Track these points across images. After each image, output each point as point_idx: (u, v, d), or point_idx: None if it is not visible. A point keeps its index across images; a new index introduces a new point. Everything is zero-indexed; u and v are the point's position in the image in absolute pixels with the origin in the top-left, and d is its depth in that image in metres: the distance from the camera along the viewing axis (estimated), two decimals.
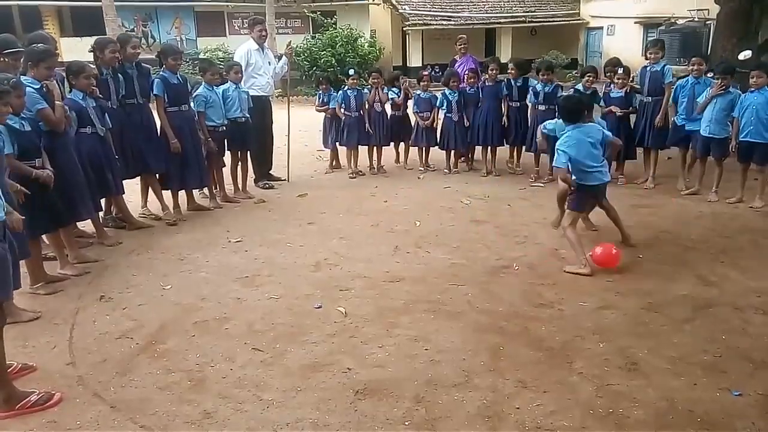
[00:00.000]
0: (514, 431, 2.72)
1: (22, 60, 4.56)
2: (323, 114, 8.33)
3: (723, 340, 3.48)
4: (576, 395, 2.99)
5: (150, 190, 6.19)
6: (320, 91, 8.37)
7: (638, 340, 3.50)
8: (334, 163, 8.43)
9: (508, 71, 7.60)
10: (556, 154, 4.65)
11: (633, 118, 7.09)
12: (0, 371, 2.94)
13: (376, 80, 7.97)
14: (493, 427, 2.76)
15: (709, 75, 6.68)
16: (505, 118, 7.58)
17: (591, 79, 7.14)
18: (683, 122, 6.66)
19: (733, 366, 3.21)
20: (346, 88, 7.96)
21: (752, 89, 5.95)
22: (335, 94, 8.14)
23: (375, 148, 8.10)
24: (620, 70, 7.11)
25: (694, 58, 6.74)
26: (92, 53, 5.53)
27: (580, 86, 7.24)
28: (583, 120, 4.75)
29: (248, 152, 7.08)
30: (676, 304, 3.98)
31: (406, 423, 2.80)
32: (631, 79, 7.25)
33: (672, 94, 6.78)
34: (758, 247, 4.98)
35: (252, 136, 6.96)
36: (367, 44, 19.64)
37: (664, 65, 6.83)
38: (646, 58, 7.09)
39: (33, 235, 4.30)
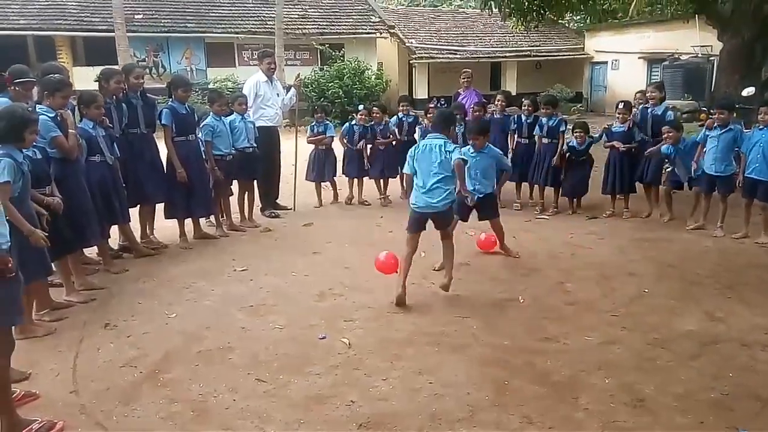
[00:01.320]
0: None
1: (35, 89, 4.66)
2: (312, 146, 8.02)
3: (730, 377, 3.45)
4: None
5: (152, 216, 6.22)
6: (315, 122, 8.06)
7: (644, 376, 3.47)
8: (324, 196, 8.18)
9: (524, 107, 7.65)
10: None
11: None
12: (4, 398, 2.94)
13: (377, 115, 8.03)
14: None
15: (711, 112, 6.76)
16: (511, 152, 7.62)
17: (581, 134, 7.23)
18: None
19: (740, 404, 3.18)
20: (354, 122, 8.04)
21: (760, 126, 5.99)
22: (331, 125, 8.15)
23: (382, 179, 8.13)
24: (621, 105, 7.20)
25: (664, 127, 6.67)
26: (97, 83, 5.62)
27: (574, 143, 7.29)
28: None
29: (255, 181, 7.14)
30: (682, 339, 3.95)
31: None
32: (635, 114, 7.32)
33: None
34: (765, 283, 4.95)
35: (259, 165, 7.03)
36: (374, 76, 19.91)
37: (666, 108, 6.94)
38: (646, 100, 7.19)
39: None
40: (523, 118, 7.61)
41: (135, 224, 5.96)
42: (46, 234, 3.83)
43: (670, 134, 6.50)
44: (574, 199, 7.48)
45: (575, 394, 3.30)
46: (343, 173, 8.11)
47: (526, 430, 2.97)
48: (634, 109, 7.33)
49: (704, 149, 6.38)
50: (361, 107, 8.32)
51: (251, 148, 6.85)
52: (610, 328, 4.14)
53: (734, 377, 3.46)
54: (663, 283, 4.98)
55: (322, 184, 8.11)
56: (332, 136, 7.98)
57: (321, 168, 7.97)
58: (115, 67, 5.98)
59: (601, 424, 3.01)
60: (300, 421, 3.06)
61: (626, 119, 7.10)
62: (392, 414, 3.12)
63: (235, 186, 6.97)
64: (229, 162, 6.61)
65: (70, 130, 4.62)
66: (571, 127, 7.57)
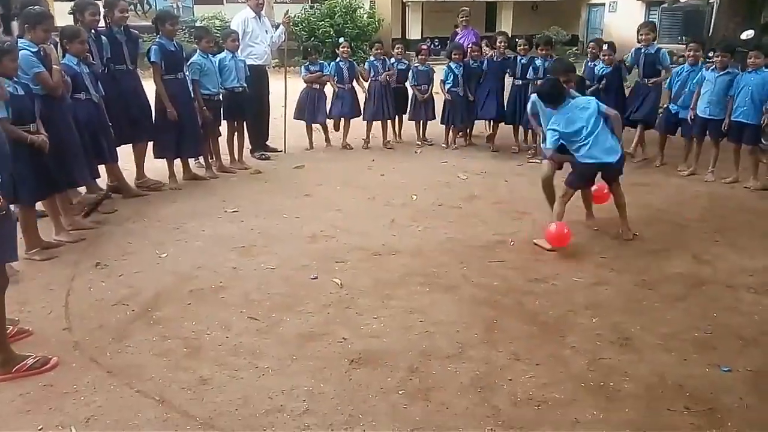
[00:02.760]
0: (506, 402, 2.76)
1: (15, 23, 4.49)
2: (302, 85, 7.80)
3: (714, 318, 3.52)
4: (568, 368, 3.02)
5: (144, 155, 6.12)
6: (307, 62, 7.82)
7: (631, 316, 3.54)
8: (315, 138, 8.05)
9: (519, 48, 7.50)
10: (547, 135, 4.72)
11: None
12: None
13: (379, 50, 7.84)
14: (485, 398, 2.79)
15: (709, 54, 6.67)
16: (506, 94, 7.53)
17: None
18: (677, 110, 6.68)
19: (723, 343, 3.26)
20: (339, 59, 7.85)
21: (749, 69, 5.93)
22: (326, 64, 7.95)
23: (382, 121, 7.98)
24: (605, 47, 7.12)
25: (691, 44, 6.73)
26: (72, 16, 5.41)
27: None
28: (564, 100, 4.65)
29: (245, 122, 7.02)
30: (669, 281, 4.01)
31: (400, 392, 2.83)
32: (626, 56, 7.22)
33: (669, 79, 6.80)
34: (753, 227, 5.00)
35: (249, 106, 6.90)
36: (366, 15, 19.38)
37: (659, 48, 6.85)
38: (638, 41, 7.07)
39: (28, 201, 4.29)
40: (519, 58, 7.47)
41: (123, 164, 5.88)
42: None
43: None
44: None
45: (563, 332, 3.36)
46: (332, 115, 7.92)
47: (514, 366, 3.03)
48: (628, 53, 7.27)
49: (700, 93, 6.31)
50: (341, 40, 8.08)
51: (241, 88, 6.70)
52: (599, 269, 4.19)
53: (718, 318, 3.53)
54: (653, 227, 5.02)
55: (313, 126, 7.98)
56: (329, 75, 7.77)
57: (312, 108, 7.79)
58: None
59: (587, 361, 3.08)
60: (292, 357, 3.11)
61: (612, 60, 7.00)
62: (383, 351, 3.17)
63: (223, 127, 6.85)
64: (217, 102, 6.48)
65: (54, 66, 4.48)
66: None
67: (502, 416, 2.67)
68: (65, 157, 4.55)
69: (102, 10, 5.49)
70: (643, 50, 6.89)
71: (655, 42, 6.94)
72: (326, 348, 3.20)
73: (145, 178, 6.08)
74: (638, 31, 7.14)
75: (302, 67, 7.98)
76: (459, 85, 7.59)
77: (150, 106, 5.90)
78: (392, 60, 7.92)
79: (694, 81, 6.41)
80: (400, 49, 8.05)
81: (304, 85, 7.83)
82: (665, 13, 17.79)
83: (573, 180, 4.71)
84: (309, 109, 7.80)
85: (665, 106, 6.93)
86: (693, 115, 6.36)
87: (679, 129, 6.75)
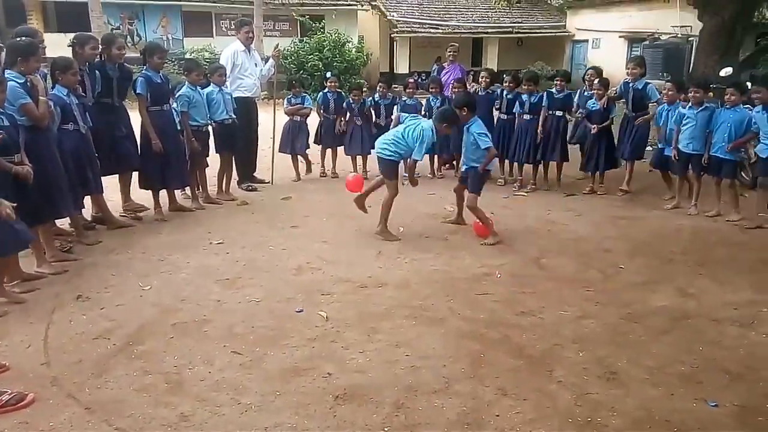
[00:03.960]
0: None
1: (2, 54, 4.50)
2: (287, 117, 7.93)
3: (700, 352, 3.52)
4: (555, 403, 3.00)
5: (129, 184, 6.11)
6: (291, 95, 8.00)
7: (617, 350, 3.53)
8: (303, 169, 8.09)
9: (505, 83, 7.63)
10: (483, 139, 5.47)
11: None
12: None
13: (357, 98, 7.87)
14: None
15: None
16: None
17: (561, 82, 7.37)
18: (663, 146, 6.85)
19: (709, 377, 3.25)
20: (326, 90, 7.97)
21: (727, 106, 6.08)
22: (308, 97, 8.10)
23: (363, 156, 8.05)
24: (596, 82, 7.25)
25: (668, 83, 6.92)
26: (71, 48, 5.44)
27: (554, 89, 7.37)
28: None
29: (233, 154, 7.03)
30: (654, 315, 4.02)
31: (386, 429, 2.79)
32: (612, 92, 7.37)
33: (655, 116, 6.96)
34: (736, 261, 5.05)
35: (238, 137, 6.92)
36: (354, 49, 19.68)
37: (646, 83, 6.98)
38: (627, 74, 7.22)
39: None
40: (505, 93, 7.59)
41: (108, 195, 5.84)
42: (14, 205, 3.72)
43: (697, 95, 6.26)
44: (559, 166, 7.55)
45: (549, 367, 3.34)
46: (317, 143, 8.05)
47: (501, 401, 3.00)
48: (612, 89, 7.43)
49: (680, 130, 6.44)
50: (329, 74, 8.27)
51: (230, 120, 6.73)
52: (585, 303, 4.20)
53: (704, 351, 3.53)
54: (637, 260, 5.05)
55: (298, 157, 8.02)
56: (310, 108, 7.90)
57: (294, 140, 7.86)
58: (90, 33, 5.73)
59: (574, 395, 3.06)
60: (276, 393, 3.06)
61: (602, 96, 7.13)
62: (369, 385, 3.12)
63: (214, 158, 6.85)
64: (205, 133, 6.50)
65: (40, 97, 4.47)
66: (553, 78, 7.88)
67: None
68: (49, 188, 4.53)
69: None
70: (631, 85, 7.03)
71: (643, 77, 7.08)
72: (311, 383, 3.15)
73: (130, 201, 6.07)
74: (626, 66, 7.33)
75: (286, 99, 8.09)
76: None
77: (135, 137, 5.90)
78: (377, 97, 7.98)
79: (672, 120, 6.55)
80: (382, 88, 8.03)
81: (287, 118, 7.92)
82: (647, 50, 18.17)
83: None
84: (290, 140, 7.87)
85: (656, 144, 7.07)
86: (676, 153, 6.47)
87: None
